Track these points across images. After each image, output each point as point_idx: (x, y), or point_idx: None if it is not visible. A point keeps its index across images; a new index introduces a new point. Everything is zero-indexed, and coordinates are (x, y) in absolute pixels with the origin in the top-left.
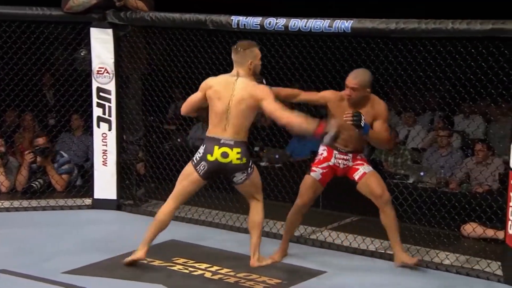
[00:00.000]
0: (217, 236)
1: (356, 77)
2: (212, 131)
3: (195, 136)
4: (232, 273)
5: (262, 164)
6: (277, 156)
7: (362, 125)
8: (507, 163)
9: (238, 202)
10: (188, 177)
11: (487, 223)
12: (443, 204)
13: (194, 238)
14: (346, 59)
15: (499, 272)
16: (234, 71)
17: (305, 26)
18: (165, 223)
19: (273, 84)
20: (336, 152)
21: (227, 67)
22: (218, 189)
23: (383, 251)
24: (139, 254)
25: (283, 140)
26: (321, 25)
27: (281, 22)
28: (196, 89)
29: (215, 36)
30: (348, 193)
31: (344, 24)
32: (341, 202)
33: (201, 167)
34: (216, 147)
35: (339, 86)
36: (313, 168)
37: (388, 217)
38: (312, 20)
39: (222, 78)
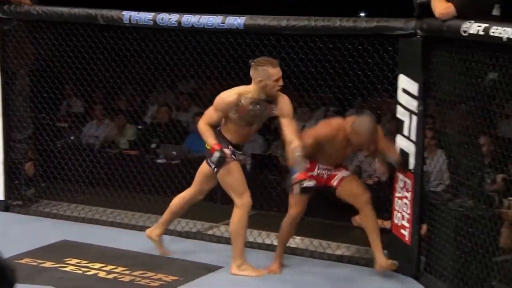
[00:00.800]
0: (111, 235)
1: None
2: None
3: (88, 133)
4: (127, 272)
5: (159, 161)
6: (174, 153)
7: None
8: None
9: (134, 199)
10: None
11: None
12: (335, 196)
13: (88, 238)
14: (240, 56)
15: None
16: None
17: (198, 22)
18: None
19: (169, 81)
20: (319, 164)
21: (120, 63)
22: (113, 186)
23: (252, 240)
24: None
25: (179, 136)
26: (214, 21)
27: (174, 18)
28: (88, 86)
29: (107, 31)
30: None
31: (236, 21)
32: None
33: None
34: None
35: (234, 82)
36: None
37: (367, 217)
38: (206, 16)
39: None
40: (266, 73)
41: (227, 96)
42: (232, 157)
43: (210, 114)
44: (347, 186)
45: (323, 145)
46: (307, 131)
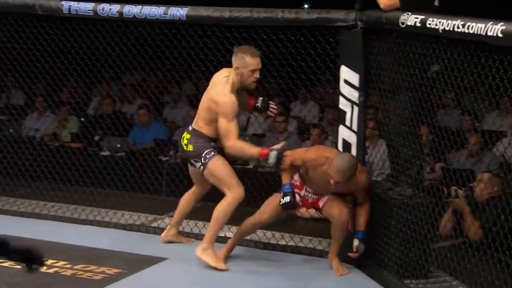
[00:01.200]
0: (52, 229)
1: None
2: None
3: (28, 126)
4: (68, 266)
5: (103, 153)
6: (118, 145)
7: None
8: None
9: (76, 193)
10: None
11: None
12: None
13: (28, 232)
14: (183, 47)
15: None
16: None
17: (140, 13)
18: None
19: (112, 72)
20: (307, 186)
21: (60, 54)
22: (55, 180)
23: (223, 235)
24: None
25: (123, 128)
26: (156, 12)
27: (114, 8)
28: (28, 77)
29: (45, 22)
30: (189, 179)
31: (179, 12)
32: (183, 189)
33: None
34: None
35: (177, 73)
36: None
37: (336, 231)
38: (147, 6)
39: (221, 73)
40: (243, 61)
41: (231, 98)
42: (216, 151)
43: (232, 127)
44: (327, 206)
45: (308, 169)
46: (300, 150)
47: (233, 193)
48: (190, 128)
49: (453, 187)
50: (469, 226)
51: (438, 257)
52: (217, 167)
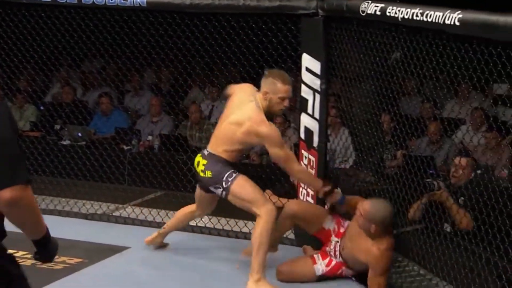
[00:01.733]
0: None
1: None
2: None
3: None
4: (28, 256)
5: (63, 142)
6: (79, 134)
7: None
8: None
9: (35, 182)
10: None
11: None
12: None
13: None
14: (143, 34)
15: (292, 236)
16: (256, 94)
17: None
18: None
19: (70, 59)
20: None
21: (16, 41)
22: None
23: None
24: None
25: (82, 117)
26: None
27: None
28: None
29: (2, 8)
30: (150, 169)
31: None
32: (145, 178)
33: None
34: (197, 155)
35: (137, 60)
36: (333, 213)
37: None
38: None
39: (246, 92)
40: (274, 86)
41: (271, 125)
42: (237, 171)
43: (290, 152)
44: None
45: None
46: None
47: (263, 211)
48: (205, 152)
49: (433, 181)
50: (461, 218)
51: (401, 243)
52: (242, 187)
